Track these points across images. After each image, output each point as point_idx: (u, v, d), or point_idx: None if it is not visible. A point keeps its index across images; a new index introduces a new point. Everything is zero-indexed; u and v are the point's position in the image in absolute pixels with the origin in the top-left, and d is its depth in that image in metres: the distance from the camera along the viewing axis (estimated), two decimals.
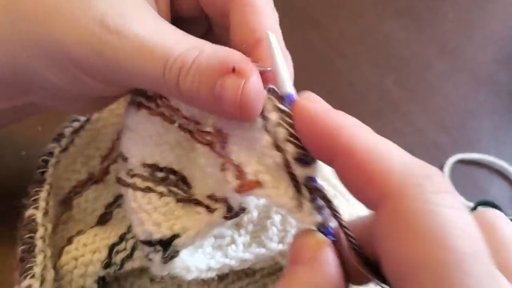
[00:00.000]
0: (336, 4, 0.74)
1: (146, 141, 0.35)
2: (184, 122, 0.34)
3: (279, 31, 0.33)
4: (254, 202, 0.37)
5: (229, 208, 0.31)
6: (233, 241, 0.38)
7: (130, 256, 0.37)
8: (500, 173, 0.57)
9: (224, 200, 0.32)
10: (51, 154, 0.41)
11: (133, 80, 0.32)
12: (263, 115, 0.29)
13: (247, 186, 0.29)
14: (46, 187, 0.39)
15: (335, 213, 0.26)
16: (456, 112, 0.63)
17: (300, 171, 0.27)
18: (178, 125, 0.34)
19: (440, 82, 0.65)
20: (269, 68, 0.29)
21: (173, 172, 0.35)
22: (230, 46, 0.31)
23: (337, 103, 0.62)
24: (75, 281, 0.38)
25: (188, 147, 0.34)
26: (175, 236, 0.32)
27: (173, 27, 0.32)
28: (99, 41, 0.31)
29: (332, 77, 0.65)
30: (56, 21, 0.31)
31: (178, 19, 0.37)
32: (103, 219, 0.41)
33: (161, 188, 0.34)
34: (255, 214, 0.39)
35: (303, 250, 0.26)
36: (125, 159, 0.36)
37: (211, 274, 0.36)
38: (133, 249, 0.37)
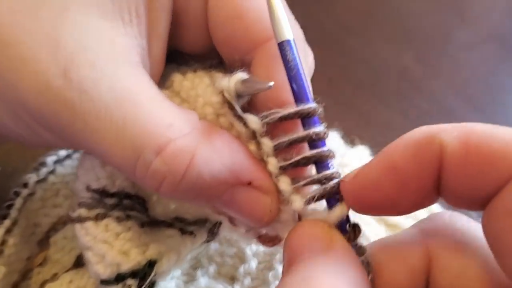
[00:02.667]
0: None
1: (91, 162, 0.30)
2: None
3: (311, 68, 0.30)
4: (252, 249, 0.35)
5: (210, 232, 0.29)
6: None
7: None
8: None
9: (201, 223, 0.29)
10: (24, 185, 0.37)
11: (96, 156, 0.27)
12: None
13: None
14: (6, 223, 0.34)
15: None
16: (485, 87, 0.58)
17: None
18: None
19: (464, 55, 0.61)
20: (270, 84, 0.25)
21: (128, 196, 0.30)
22: None
23: (352, 85, 0.57)
24: None
25: None
26: (152, 263, 0.28)
27: (158, 95, 0.27)
28: (56, 97, 0.25)
29: (344, 57, 0.60)
30: (14, 63, 0.25)
31: (182, 53, 0.32)
32: (81, 261, 0.35)
33: (116, 213, 0.29)
34: (253, 264, 0.35)
35: (314, 237, 0.23)
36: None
37: None
38: None
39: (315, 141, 0.24)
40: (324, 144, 0.24)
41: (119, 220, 0.29)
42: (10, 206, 0.35)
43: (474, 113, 0.55)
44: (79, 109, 0.25)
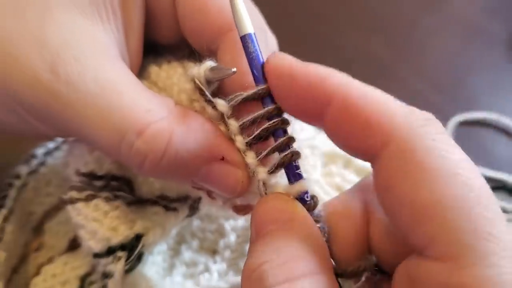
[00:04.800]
0: None
1: (80, 148, 0.32)
2: None
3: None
4: (231, 224, 0.38)
5: (191, 207, 0.32)
6: (206, 269, 0.37)
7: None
8: (504, 131, 0.55)
9: (183, 199, 0.32)
10: (17, 176, 0.39)
11: (85, 141, 0.30)
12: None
13: None
14: (2, 212, 0.37)
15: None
16: (450, 69, 0.61)
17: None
18: None
19: (429, 40, 0.64)
20: (233, 69, 0.28)
21: (115, 178, 0.32)
22: None
23: None
24: None
25: None
26: (138, 236, 0.31)
27: (137, 84, 0.29)
28: (46, 89, 0.27)
29: (315, 44, 0.63)
30: (5, 61, 0.28)
31: (156, 45, 0.34)
32: (75, 244, 0.38)
33: (104, 194, 0.32)
34: (232, 238, 0.38)
35: (277, 209, 0.25)
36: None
37: None
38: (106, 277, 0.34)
39: (273, 117, 0.26)
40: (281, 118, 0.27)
41: (107, 200, 0.31)
42: (5, 197, 0.37)
43: (437, 94, 0.57)
44: (67, 100, 0.27)
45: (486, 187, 0.22)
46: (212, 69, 0.28)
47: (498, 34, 0.63)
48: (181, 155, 0.27)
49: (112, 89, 0.28)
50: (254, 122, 0.27)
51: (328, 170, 0.41)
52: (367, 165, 0.39)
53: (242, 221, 0.38)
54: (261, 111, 0.26)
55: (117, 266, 0.30)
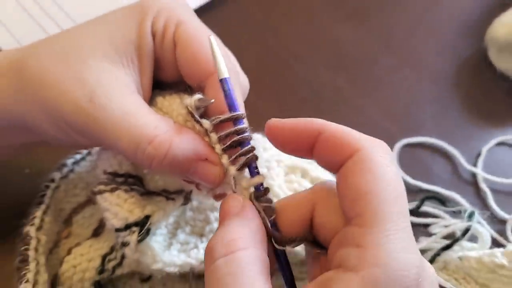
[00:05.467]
0: (291, 11, 0.80)
1: (107, 154, 0.43)
2: None
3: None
4: (214, 215, 0.49)
5: (185, 198, 0.43)
6: (195, 247, 0.47)
7: (120, 264, 0.45)
8: (441, 152, 0.64)
9: (179, 192, 0.43)
10: (52, 180, 0.49)
11: (111, 148, 0.41)
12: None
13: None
14: (42, 207, 0.46)
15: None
16: (402, 101, 0.69)
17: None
18: None
19: (387, 76, 0.72)
20: (212, 100, 0.39)
21: (131, 176, 0.43)
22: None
23: (297, 102, 0.70)
24: (75, 285, 0.45)
25: None
26: (147, 217, 0.41)
27: (148, 110, 0.40)
28: (86, 114, 0.38)
29: (291, 78, 0.71)
30: (56, 93, 0.39)
31: (162, 83, 0.44)
32: (97, 232, 0.49)
33: (124, 187, 0.42)
34: (215, 225, 0.49)
35: (232, 205, 0.35)
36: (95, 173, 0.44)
37: (174, 270, 0.44)
38: (122, 257, 0.44)
39: (241, 133, 0.37)
40: (247, 134, 0.37)
41: (126, 191, 0.42)
42: (43, 196, 0.48)
43: (389, 121, 0.66)
44: (100, 121, 0.37)
45: (401, 190, 0.32)
46: (199, 100, 0.39)
47: (443, 73, 0.72)
48: (177, 157, 0.37)
49: (132, 114, 0.38)
50: (227, 135, 0.37)
51: (288, 178, 0.51)
52: (320, 175, 0.50)
53: None
54: (232, 129, 0.37)
55: (132, 237, 0.40)
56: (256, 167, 0.37)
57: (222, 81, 0.37)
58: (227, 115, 0.37)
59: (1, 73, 0.41)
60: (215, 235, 0.33)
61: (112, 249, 0.45)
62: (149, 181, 0.43)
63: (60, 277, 0.46)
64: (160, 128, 0.38)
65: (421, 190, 0.61)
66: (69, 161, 0.51)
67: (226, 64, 0.38)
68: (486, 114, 0.68)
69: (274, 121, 0.36)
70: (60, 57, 0.40)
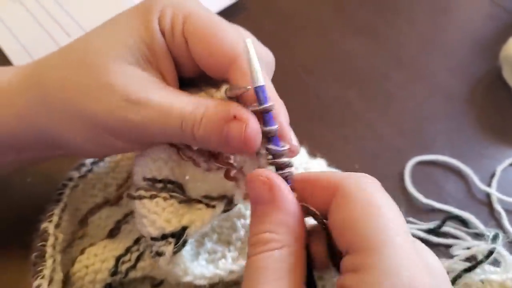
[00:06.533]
0: (302, 25, 0.80)
1: (145, 160, 0.42)
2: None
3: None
4: (241, 222, 0.47)
5: (228, 204, 0.41)
6: (223, 256, 0.46)
7: (134, 267, 0.44)
8: (454, 171, 0.63)
9: (222, 198, 0.41)
10: (70, 179, 0.49)
11: (154, 138, 0.40)
12: None
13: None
14: (60, 204, 0.46)
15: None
16: (413, 118, 0.69)
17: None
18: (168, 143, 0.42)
19: (398, 92, 0.71)
20: (249, 87, 0.37)
21: (170, 182, 0.42)
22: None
23: (306, 115, 0.69)
24: (86, 286, 0.44)
25: (178, 160, 0.42)
26: (184, 228, 0.40)
27: (180, 92, 0.40)
28: (126, 112, 0.38)
29: (301, 92, 0.71)
30: (87, 100, 0.39)
31: (181, 78, 0.44)
32: (112, 233, 0.48)
33: (163, 194, 0.41)
34: (242, 233, 0.47)
35: (263, 190, 0.34)
36: (133, 179, 0.43)
37: (203, 282, 0.43)
38: (137, 260, 0.44)
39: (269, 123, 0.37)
40: (271, 121, 0.37)
41: (165, 199, 0.41)
42: (61, 194, 0.47)
43: (400, 138, 0.65)
44: (143, 113, 0.38)
45: (397, 214, 0.32)
46: (230, 89, 0.38)
47: (455, 90, 0.71)
48: (211, 117, 0.37)
49: (171, 97, 0.39)
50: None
51: None
52: None
53: (248, 220, 0.47)
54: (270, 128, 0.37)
55: (168, 248, 0.39)
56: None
57: (257, 89, 0.36)
58: (259, 106, 0.37)
59: (20, 89, 0.41)
60: (251, 226, 0.34)
61: (127, 251, 0.45)
62: (190, 187, 0.42)
63: (71, 277, 0.45)
64: (195, 105, 0.39)
65: (433, 210, 0.59)
66: (88, 161, 0.50)
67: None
68: (500, 133, 0.67)
69: (300, 175, 0.37)
70: (78, 65, 0.40)
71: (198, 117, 0.37)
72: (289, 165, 0.37)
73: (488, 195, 0.61)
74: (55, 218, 0.44)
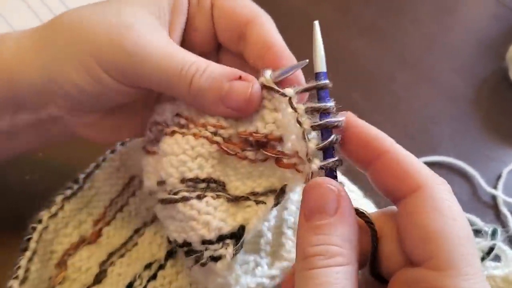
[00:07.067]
0: (307, 26, 0.80)
1: (182, 158, 0.38)
2: (209, 135, 0.38)
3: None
4: (266, 226, 0.44)
5: (277, 197, 0.37)
6: (258, 264, 0.42)
7: None
8: (460, 172, 0.63)
9: (268, 192, 0.38)
10: (39, 221, 0.45)
11: (151, 79, 0.39)
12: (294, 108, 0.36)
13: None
14: (27, 254, 0.43)
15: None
16: (418, 119, 0.68)
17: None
18: (206, 138, 0.38)
19: (403, 93, 0.71)
20: (307, 60, 0.39)
21: (214, 180, 0.39)
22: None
23: None
24: None
25: (218, 157, 0.39)
26: (242, 227, 0.37)
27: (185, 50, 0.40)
28: (129, 41, 0.38)
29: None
30: (90, 26, 0.39)
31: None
32: (99, 278, 0.45)
33: (210, 193, 0.38)
34: (269, 236, 0.44)
35: (330, 199, 0.32)
36: (162, 183, 0.39)
37: None
38: None
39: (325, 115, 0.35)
40: (328, 100, 0.36)
41: (213, 198, 0.37)
42: (29, 240, 0.43)
43: (406, 139, 0.64)
44: (147, 45, 0.38)
45: (470, 230, 0.31)
46: (274, 72, 0.38)
47: (460, 91, 0.71)
48: (213, 72, 0.37)
49: (176, 46, 0.39)
50: (314, 111, 0.35)
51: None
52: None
53: (273, 222, 0.44)
54: (321, 105, 0.35)
55: (227, 251, 0.35)
56: (334, 150, 0.34)
57: (319, 75, 0.36)
58: (311, 83, 0.36)
59: (31, 33, 0.41)
60: (307, 236, 0.31)
61: None
62: (234, 185, 0.39)
63: None
64: (200, 59, 0.39)
65: None
66: (58, 198, 0.46)
67: None
68: (506, 135, 0.66)
69: (353, 118, 0.35)
70: (97, 9, 0.40)
71: (202, 67, 0.37)
72: (337, 141, 0.34)
73: (494, 197, 0.60)
74: (21, 272, 0.41)
